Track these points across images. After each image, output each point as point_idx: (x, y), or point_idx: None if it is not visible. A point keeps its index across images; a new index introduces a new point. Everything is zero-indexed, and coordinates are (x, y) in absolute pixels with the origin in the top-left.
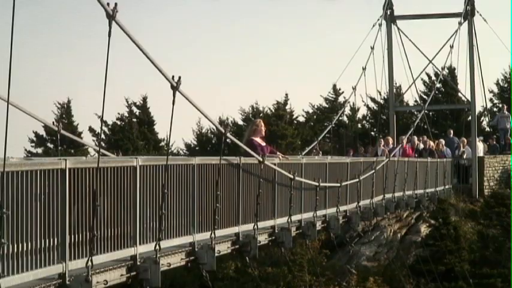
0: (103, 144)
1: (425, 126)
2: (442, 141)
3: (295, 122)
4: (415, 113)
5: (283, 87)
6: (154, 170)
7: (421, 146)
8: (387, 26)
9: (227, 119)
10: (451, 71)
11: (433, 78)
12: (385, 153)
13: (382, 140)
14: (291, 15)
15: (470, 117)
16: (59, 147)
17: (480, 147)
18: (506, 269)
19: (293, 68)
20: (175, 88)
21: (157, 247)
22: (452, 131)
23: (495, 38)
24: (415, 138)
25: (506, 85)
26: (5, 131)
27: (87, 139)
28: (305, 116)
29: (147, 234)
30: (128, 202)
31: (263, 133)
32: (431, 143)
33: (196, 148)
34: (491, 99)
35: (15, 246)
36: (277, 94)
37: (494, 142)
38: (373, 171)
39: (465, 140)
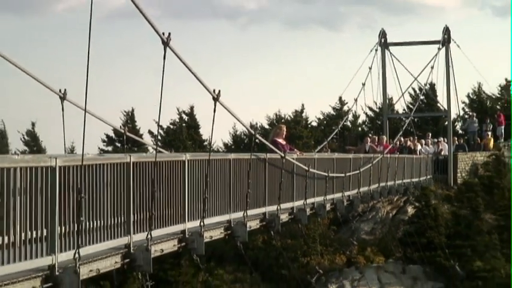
0: (159, 144)
1: (412, 130)
2: (422, 141)
3: (310, 126)
4: (404, 119)
5: (301, 99)
6: (199, 163)
7: (410, 144)
8: (382, 51)
9: (256, 123)
10: (432, 86)
11: (418, 92)
12: (373, 148)
13: (368, 139)
14: (305, 43)
15: (446, 123)
16: (125, 146)
17: (442, 146)
18: (475, 241)
19: (308, 84)
20: (216, 99)
21: (202, 223)
22: (430, 134)
23: (466, 60)
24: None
25: (475, 97)
26: (82, 133)
27: (147, 139)
28: (317, 121)
29: (193, 214)
30: (178, 188)
31: (284, 135)
32: (410, 143)
33: (232, 146)
34: (463, 108)
35: (91, 223)
36: (295, 104)
37: (462, 142)
38: (371, 164)
39: (422, 141)
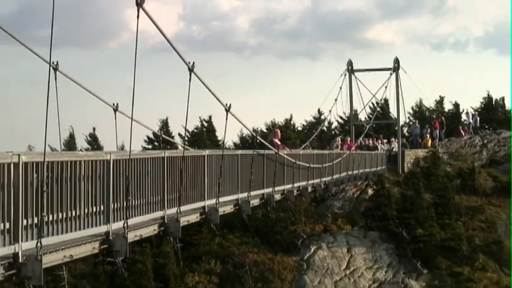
0: (186, 143)
1: (371, 133)
2: (379, 141)
3: (296, 130)
4: (365, 125)
5: (290, 110)
6: (216, 157)
7: (368, 143)
8: (349, 76)
9: (257, 128)
10: (386, 101)
11: (375, 105)
12: (339, 147)
13: (337, 139)
14: (293, 70)
15: (396, 128)
16: (161, 145)
17: (393, 145)
18: (417, 214)
19: (295, 99)
20: (227, 110)
21: (217, 201)
22: (382, 136)
23: (411, 82)
24: (361, 138)
25: (417, 109)
26: (130, 135)
27: (177, 140)
28: (302, 126)
29: (211, 194)
30: (200, 175)
31: (279, 136)
32: (370, 142)
33: (240, 145)
34: (409, 117)
35: (136, 201)
36: (286, 114)
37: (406, 142)
38: (341, 158)
39: (380, 141)
